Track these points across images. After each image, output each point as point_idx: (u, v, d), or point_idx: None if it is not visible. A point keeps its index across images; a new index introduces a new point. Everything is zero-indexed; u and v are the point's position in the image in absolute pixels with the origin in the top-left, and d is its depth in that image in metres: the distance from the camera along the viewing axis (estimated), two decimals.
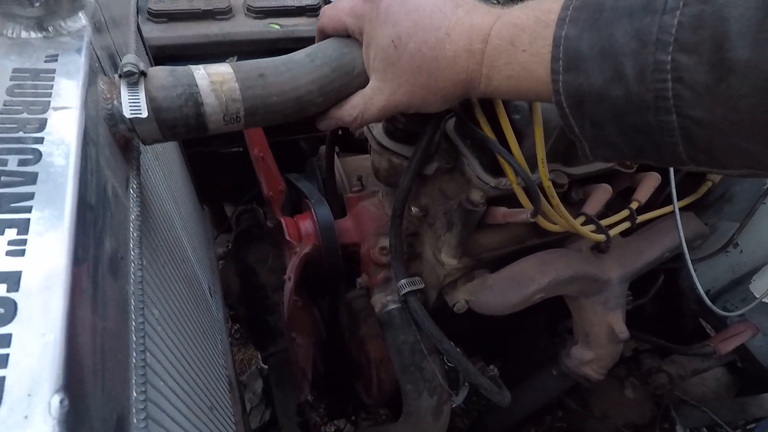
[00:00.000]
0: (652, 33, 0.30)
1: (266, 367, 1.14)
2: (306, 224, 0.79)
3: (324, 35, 0.51)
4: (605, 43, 0.32)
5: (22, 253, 0.24)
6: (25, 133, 0.29)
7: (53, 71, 0.34)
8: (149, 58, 0.81)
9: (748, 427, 0.92)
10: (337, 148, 1.00)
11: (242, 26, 0.95)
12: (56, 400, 0.20)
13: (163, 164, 0.66)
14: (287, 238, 0.76)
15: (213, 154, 1.09)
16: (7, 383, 0.20)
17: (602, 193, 0.70)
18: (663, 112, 0.31)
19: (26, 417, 0.19)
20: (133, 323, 0.32)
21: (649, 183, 0.75)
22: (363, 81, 0.49)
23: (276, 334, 1.11)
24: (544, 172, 0.57)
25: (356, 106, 0.48)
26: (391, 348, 0.72)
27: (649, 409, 1.00)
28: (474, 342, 0.97)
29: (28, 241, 0.24)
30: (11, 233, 0.24)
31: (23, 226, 0.25)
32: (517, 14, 0.39)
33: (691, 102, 0.30)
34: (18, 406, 0.19)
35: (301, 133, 1.13)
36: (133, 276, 0.34)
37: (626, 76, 0.31)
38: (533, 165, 0.57)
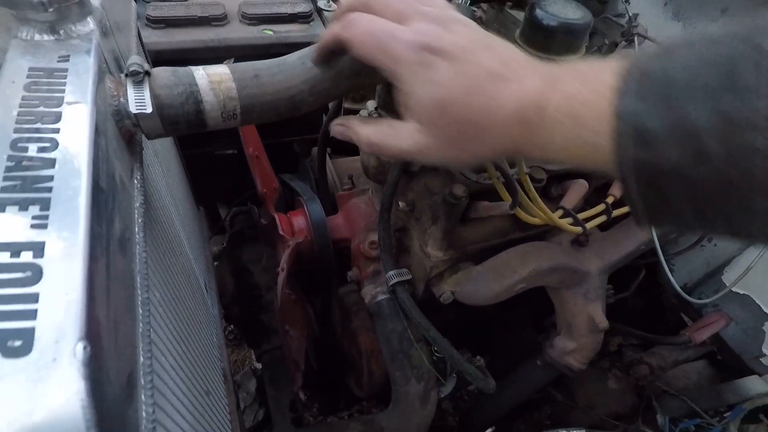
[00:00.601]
0: (738, 112, 0.29)
1: (260, 366, 1.16)
2: (299, 220, 0.82)
3: (338, 45, 0.44)
4: (683, 122, 0.31)
5: (45, 226, 0.27)
6: (42, 124, 0.32)
7: (66, 70, 0.37)
8: (148, 62, 0.84)
9: (725, 414, 0.95)
10: (328, 150, 1.03)
11: (237, 32, 0.99)
12: (80, 346, 0.23)
13: (163, 162, 0.69)
14: (280, 233, 0.80)
15: (208, 155, 1.12)
16: (37, 333, 0.23)
17: (579, 188, 0.74)
18: (746, 191, 0.30)
19: (54, 359, 0.22)
20: (140, 298, 0.35)
21: None
22: (353, 83, 0.52)
23: (270, 333, 1.13)
24: (521, 167, 0.60)
25: (383, 136, 0.44)
26: (380, 337, 0.75)
27: (632, 399, 1.04)
28: (460, 334, 1.00)
29: (50, 216, 0.27)
30: (35, 209, 0.27)
31: (45, 204, 0.28)
32: (573, 84, 0.37)
33: None
34: (47, 351, 0.22)
35: (295, 136, 1.16)
36: (138, 256, 0.37)
37: (710, 156, 0.30)
38: (512, 161, 0.61)
